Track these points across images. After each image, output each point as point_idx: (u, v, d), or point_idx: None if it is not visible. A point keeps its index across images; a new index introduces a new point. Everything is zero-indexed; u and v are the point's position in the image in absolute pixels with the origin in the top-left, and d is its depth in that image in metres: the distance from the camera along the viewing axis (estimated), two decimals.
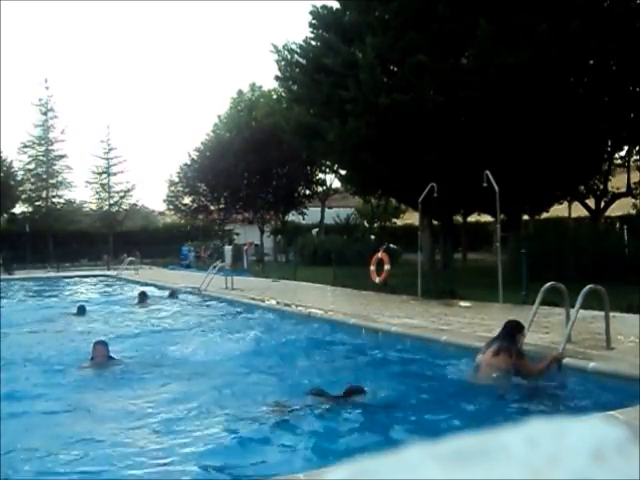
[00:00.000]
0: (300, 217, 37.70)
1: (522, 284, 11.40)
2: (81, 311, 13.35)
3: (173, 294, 16.72)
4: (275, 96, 39.61)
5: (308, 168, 34.76)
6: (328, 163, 31.39)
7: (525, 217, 25.34)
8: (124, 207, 46.87)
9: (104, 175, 46.15)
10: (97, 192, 46.28)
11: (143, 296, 15.45)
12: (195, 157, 40.32)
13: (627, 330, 7.62)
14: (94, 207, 46.78)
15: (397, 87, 16.19)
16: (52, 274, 27.88)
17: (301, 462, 4.30)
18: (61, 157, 44.91)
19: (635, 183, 23.62)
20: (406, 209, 35.45)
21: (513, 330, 6.40)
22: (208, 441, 4.87)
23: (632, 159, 23.86)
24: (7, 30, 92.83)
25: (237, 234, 39.99)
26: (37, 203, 44.08)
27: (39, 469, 4.37)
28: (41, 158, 44.38)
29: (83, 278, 25.79)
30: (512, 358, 6.05)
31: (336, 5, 19.76)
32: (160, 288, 19.00)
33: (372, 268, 15.76)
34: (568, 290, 7.20)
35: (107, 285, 23.08)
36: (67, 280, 25.13)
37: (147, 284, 20.82)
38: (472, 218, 30.95)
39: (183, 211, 43.28)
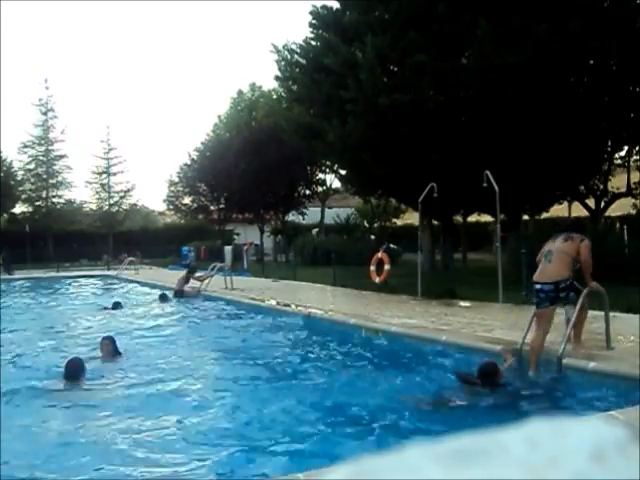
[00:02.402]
0: (300, 217, 37.67)
1: (522, 284, 11.40)
2: (117, 306, 14.25)
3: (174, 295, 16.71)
4: (275, 96, 39.63)
5: (308, 168, 34.75)
6: (328, 163, 31.38)
7: (525, 217, 25.31)
8: (124, 207, 46.85)
9: (104, 175, 46.14)
10: (97, 192, 46.28)
11: (164, 297, 15.64)
12: (195, 157, 40.28)
13: (627, 330, 7.62)
14: (94, 207, 46.75)
15: (397, 87, 16.18)
16: (53, 274, 27.84)
17: None
18: (61, 157, 44.93)
19: (635, 183, 23.58)
20: (406, 209, 35.41)
21: (579, 227, 7.38)
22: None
23: (632, 159, 23.82)
24: (7, 30, 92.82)
25: (237, 234, 39.97)
26: (37, 203, 44.06)
27: None
28: (41, 158, 44.37)
29: (89, 278, 25.78)
30: (584, 242, 6.74)
31: (336, 5, 19.75)
32: (160, 288, 18.99)
33: (372, 268, 15.76)
34: None
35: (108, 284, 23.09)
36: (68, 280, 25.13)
37: (147, 284, 20.84)
38: (472, 218, 30.91)
39: (183, 211, 43.25)
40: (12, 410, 5.81)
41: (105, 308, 14.33)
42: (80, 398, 6.32)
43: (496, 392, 5.81)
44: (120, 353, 8.10)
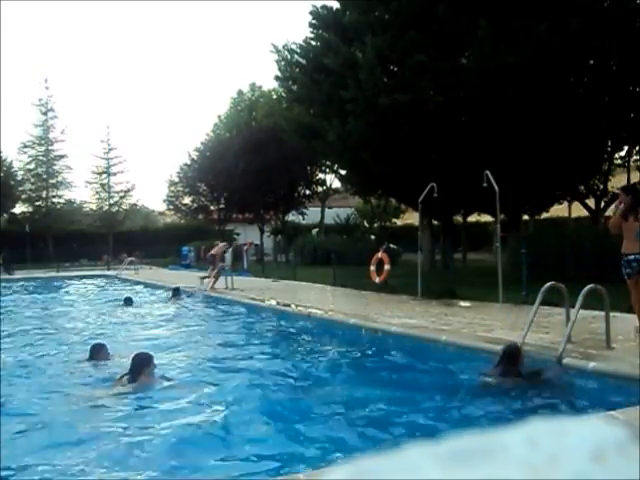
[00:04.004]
0: (300, 217, 37.67)
1: (522, 284, 11.40)
2: (128, 302, 14.73)
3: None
4: (275, 96, 39.57)
5: (308, 168, 34.74)
6: (328, 163, 31.38)
7: (525, 217, 25.30)
8: (124, 207, 46.86)
9: (104, 175, 46.15)
10: (97, 192, 46.30)
11: (176, 292, 16.18)
12: (195, 157, 40.27)
13: (627, 330, 7.61)
14: (94, 207, 46.78)
15: (397, 87, 16.19)
16: (52, 274, 27.82)
17: None
18: (61, 157, 44.95)
19: (635, 183, 23.59)
20: (406, 209, 35.42)
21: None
22: None
23: (632, 159, 23.83)
24: (7, 30, 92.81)
25: (237, 234, 39.97)
26: (37, 203, 44.08)
27: None
28: (41, 158, 44.38)
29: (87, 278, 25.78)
30: None
31: (336, 5, 19.75)
32: (159, 288, 19.01)
33: (372, 268, 15.76)
34: (568, 290, 7.20)
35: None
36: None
37: (147, 284, 20.84)
38: (472, 218, 30.91)
39: (183, 211, 43.24)
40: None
41: (118, 305, 14.67)
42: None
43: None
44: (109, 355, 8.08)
